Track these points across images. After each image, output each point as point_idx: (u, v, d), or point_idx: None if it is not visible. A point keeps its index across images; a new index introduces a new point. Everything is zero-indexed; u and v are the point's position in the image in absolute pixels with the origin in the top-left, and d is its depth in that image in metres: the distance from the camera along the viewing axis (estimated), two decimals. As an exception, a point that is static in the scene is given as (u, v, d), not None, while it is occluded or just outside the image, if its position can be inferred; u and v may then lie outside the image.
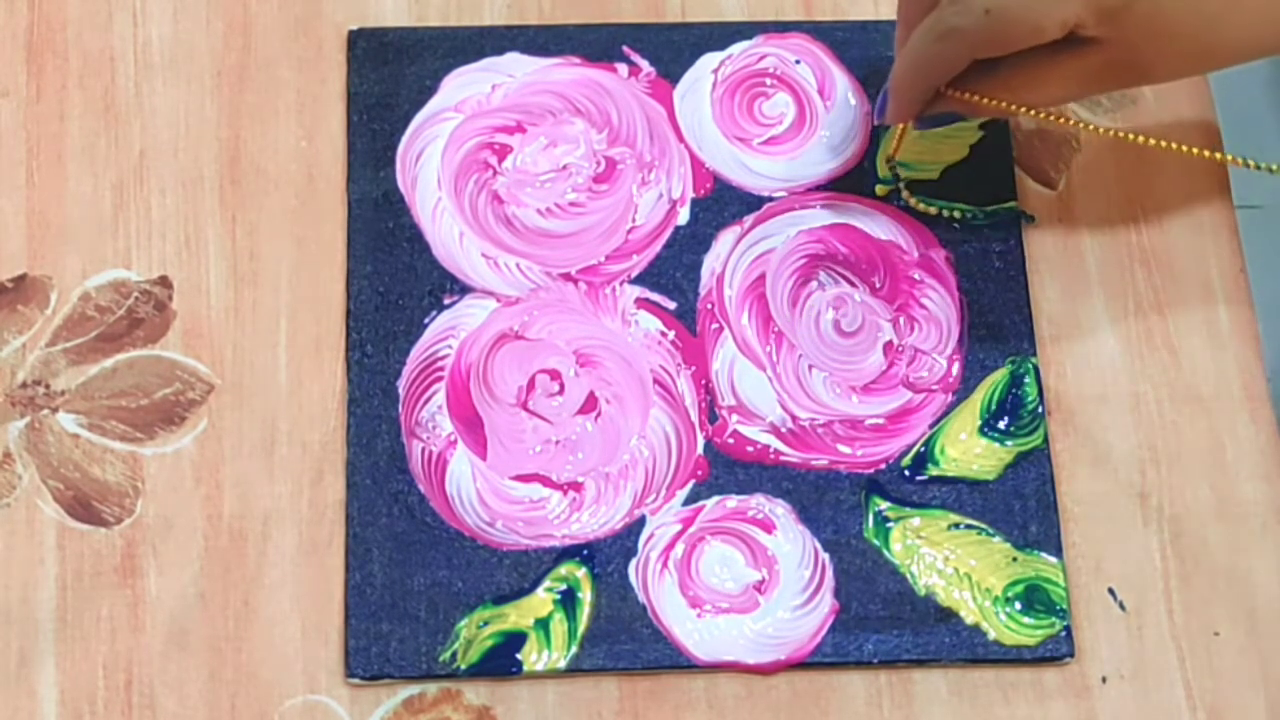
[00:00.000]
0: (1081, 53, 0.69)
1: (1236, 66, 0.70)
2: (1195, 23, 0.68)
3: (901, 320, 0.77)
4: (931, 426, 0.75)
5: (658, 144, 0.79)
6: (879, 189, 0.79)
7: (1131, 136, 0.72)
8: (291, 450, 0.75)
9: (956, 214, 0.78)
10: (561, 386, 0.75)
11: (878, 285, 0.77)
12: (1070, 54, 0.69)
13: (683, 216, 0.78)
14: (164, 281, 0.77)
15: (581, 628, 0.72)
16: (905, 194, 0.78)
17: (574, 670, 0.72)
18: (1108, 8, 0.67)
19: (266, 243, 0.77)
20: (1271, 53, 0.70)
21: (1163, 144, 0.72)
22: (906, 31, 0.72)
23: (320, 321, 0.76)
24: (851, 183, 0.79)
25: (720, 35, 0.81)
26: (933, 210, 0.78)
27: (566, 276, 0.77)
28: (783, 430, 0.75)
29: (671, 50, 0.80)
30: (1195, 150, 0.71)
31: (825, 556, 0.74)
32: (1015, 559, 0.74)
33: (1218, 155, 0.72)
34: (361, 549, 0.73)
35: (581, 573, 0.73)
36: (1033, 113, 0.72)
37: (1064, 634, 0.73)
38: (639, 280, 0.77)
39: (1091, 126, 0.73)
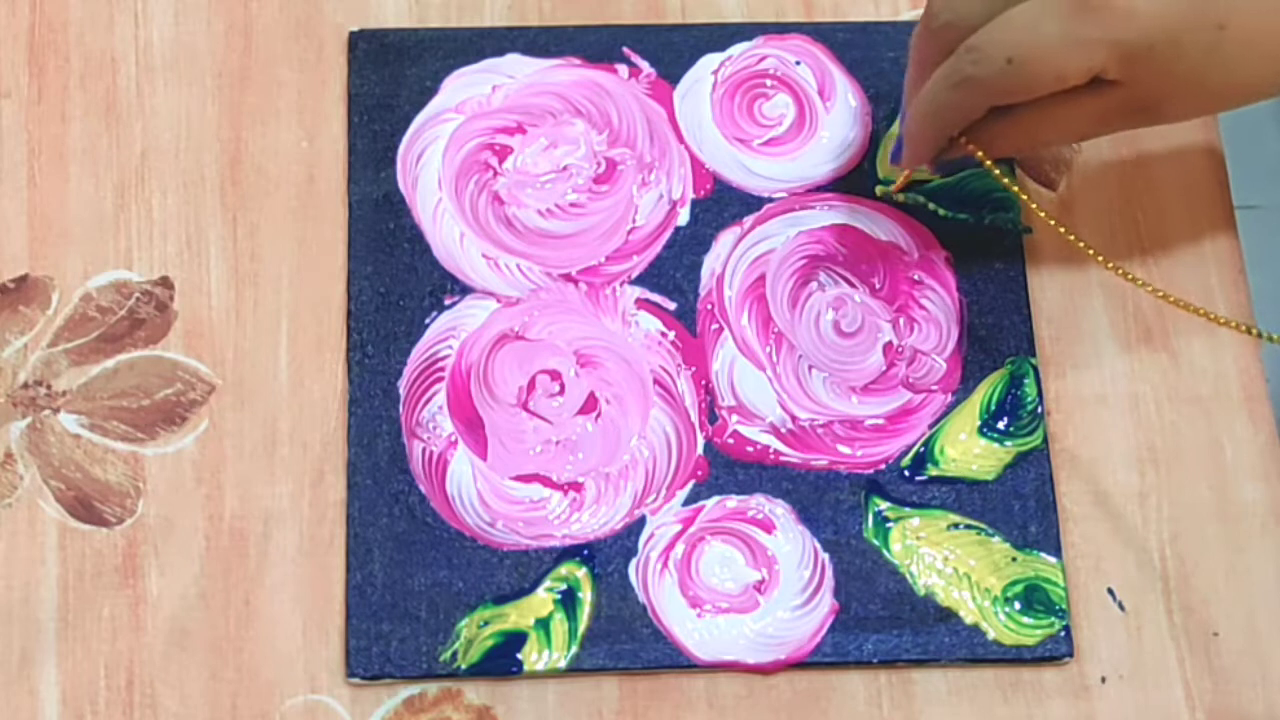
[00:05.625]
0: (1099, 94, 0.69)
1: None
2: (1211, 64, 0.67)
3: (901, 321, 0.77)
4: (931, 427, 0.76)
5: (658, 145, 0.79)
6: (879, 190, 0.79)
7: (1165, 296, 0.72)
8: (292, 450, 0.75)
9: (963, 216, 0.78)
10: (562, 387, 0.76)
11: (877, 286, 0.78)
12: (1088, 96, 0.69)
13: (683, 217, 0.78)
14: (165, 282, 0.77)
15: (582, 627, 0.72)
16: (925, 201, 0.78)
17: (574, 670, 0.72)
18: (1130, 52, 0.67)
19: (267, 243, 0.78)
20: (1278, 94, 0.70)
21: (1192, 309, 0.72)
22: (921, 75, 0.71)
23: (321, 322, 0.77)
24: (851, 184, 0.79)
25: (720, 36, 0.81)
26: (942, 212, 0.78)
27: (567, 277, 0.77)
28: (783, 430, 0.75)
29: (672, 51, 0.80)
30: (1222, 320, 0.72)
31: (825, 556, 0.74)
32: (1015, 559, 0.74)
33: (1246, 329, 0.72)
34: (362, 549, 0.73)
35: (582, 573, 0.73)
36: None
37: (1063, 634, 0.73)
38: (639, 281, 0.77)
39: (1111, 266, 0.73)
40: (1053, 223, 0.73)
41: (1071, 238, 0.73)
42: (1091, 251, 0.73)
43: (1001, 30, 0.67)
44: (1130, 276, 0.73)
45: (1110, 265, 0.73)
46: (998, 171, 0.72)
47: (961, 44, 0.69)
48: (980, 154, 0.72)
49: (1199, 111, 0.71)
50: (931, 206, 0.78)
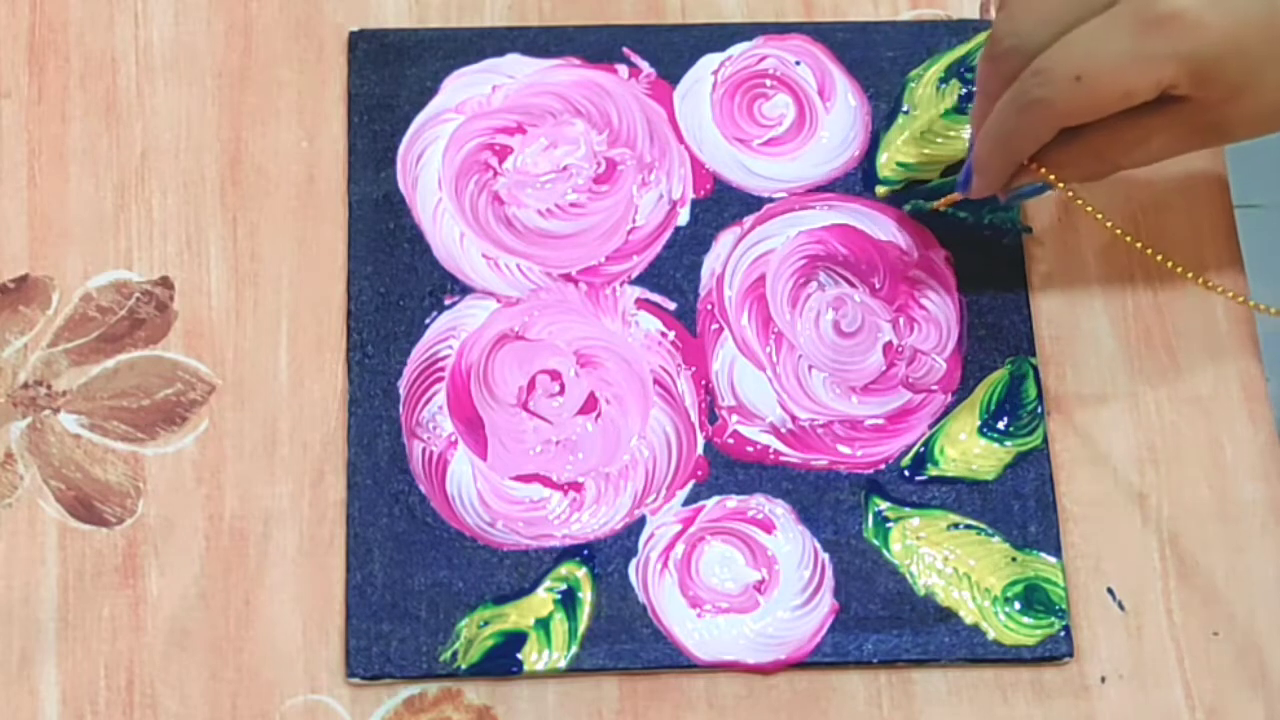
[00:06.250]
0: (1168, 112, 0.68)
1: None
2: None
3: (901, 321, 0.77)
4: (931, 427, 0.76)
5: (658, 145, 0.79)
6: (879, 190, 0.79)
7: (1163, 259, 0.73)
8: (292, 450, 0.75)
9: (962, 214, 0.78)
10: (562, 387, 0.76)
11: (877, 286, 0.78)
12: (1157, 115, 0.68)
13: (683, 217, 0.78)
14: (165, 282, 0.77)
15: (582, 627, 0.72)
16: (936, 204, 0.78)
17: (574, 670, 0.72)
18: (1199, 66, 0.66)
19: (267, 243, 0.78)
20: None
21: (1187, 275, 0.72)
22: (987, 103, 0.71)
23: (321, 322, 0.77)
24: (851, 184, 0.79)
25: (720, 36, 0.81)
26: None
27: (567, 277, 0.77)
28: (782, 430, 0.75)
29: (671, 51, 0.80)
30: (1218, 289, 0.72)
31: (825, 556, 0.74)
32: (1014, 559, 0.74)
33: (1239, 299, 0.73)
34: (362, 549, 0.73)
35: (582, 573, 0.73)
36: (1091, 211, 0.72)
37: (1063, 634, 0.73)
38: (639, 281, 0.77)
39: (1126, 237, 0.74)
40: (1123, 234, 0.74)
41: (1147, 250, 0.74)
42: (1156, 255, 0.73)
43: (1068, 49, 0.67)
44: (1128, 238, 0.73)
45: (1191, 277, 0.73)
46: (1070, 194, 0.72)
47: (1027, 68, 0.68)
48: (1052, 178, 0.71)
49: (1269, 128, 0.70)
50: (932, 206, 0.78)
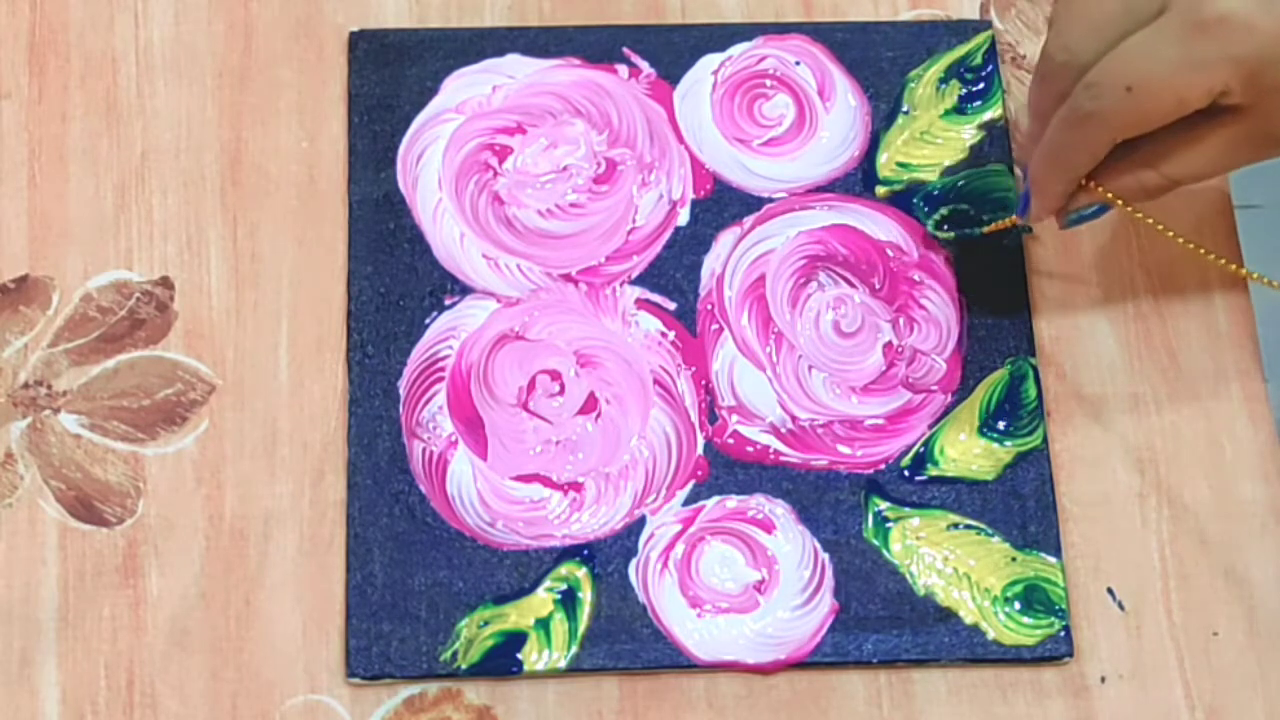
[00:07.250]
0: (1224, 122, 0.68)
1: None
2: None
3: (901, 321, 0.77)
4: (931, 427, 0.76)
5: (658, 145, 0.79)
6: (879, 190, 0.79)
7: (1173, 235, 0.73)
8: (293, 450, 0.75)
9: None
10: (562, 387, 0.76)
11: (877, 286, 0.78)
12: (1213, 125, 0.68)
13: (683, 217, 0.78)
14: (165, 282, 0.77)
15: (582, 627, 0.72)
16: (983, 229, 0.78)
17: (574, 670, 0.72)
18: (1251, 70, 0.65)
19: (268, 243, 0.78)
20: None
21: (1189, 243, 0.73)
22: (1039, 126, 0.70)
23: (321, 322, 0.77)
24: (851, 184, 0.79)
25: (720, 37, 0.81)
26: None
27: (567, 277, 0.77)
28: (782, 430, 0.75)
29: (671, 52, 0.80)
30: (1219, 260, 0.73)
31: (825, 556, 0.74)
32: (1014, 559, 0.74)
33: (1240, 270, 0.73)
34: (362, 549, 0.73)
35: (582, 573, 0.73)
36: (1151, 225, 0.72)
37: (1063, 634, 0.73)
38: (639, 281, 0.77)
39: (1151, 223, 0.73)
40: (1186, 242, 0.74)
41: (1180, 240, 0.73)
42: (1193, 246, 0.73)
43: (1118, 61, 0.66)
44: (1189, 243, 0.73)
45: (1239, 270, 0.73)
46: (1130, 209, 0.71)
47: (1078, 83, 0.68)
48: (1110, 195, 0.71)
49: None
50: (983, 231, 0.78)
